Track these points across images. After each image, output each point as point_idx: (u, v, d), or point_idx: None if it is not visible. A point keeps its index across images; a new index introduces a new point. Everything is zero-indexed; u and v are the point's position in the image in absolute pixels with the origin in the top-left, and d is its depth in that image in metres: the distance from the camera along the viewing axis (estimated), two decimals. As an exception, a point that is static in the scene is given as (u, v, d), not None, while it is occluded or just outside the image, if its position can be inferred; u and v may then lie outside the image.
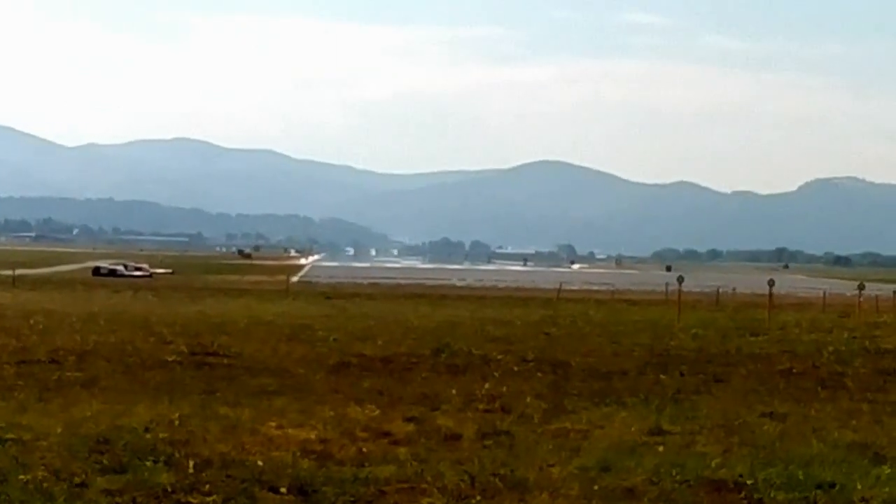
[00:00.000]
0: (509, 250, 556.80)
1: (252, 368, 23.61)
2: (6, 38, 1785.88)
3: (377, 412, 17.39)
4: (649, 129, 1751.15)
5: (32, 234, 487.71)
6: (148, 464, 12.74)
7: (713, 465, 13.31)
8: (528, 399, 19.12)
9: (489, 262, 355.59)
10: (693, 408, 18.68)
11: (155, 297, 62.07)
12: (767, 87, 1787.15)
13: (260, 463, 12.97)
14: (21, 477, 11.90)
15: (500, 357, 27.34)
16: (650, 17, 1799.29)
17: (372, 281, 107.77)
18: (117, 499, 11.24)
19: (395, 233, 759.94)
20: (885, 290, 79.91)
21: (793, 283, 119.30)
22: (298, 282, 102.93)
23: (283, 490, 11.70)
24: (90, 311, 44.56)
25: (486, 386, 20.84)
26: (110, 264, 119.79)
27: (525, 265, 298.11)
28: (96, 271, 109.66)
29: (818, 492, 11.96)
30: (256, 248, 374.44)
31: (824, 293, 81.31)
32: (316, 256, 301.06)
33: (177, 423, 15.66)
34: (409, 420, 16.67)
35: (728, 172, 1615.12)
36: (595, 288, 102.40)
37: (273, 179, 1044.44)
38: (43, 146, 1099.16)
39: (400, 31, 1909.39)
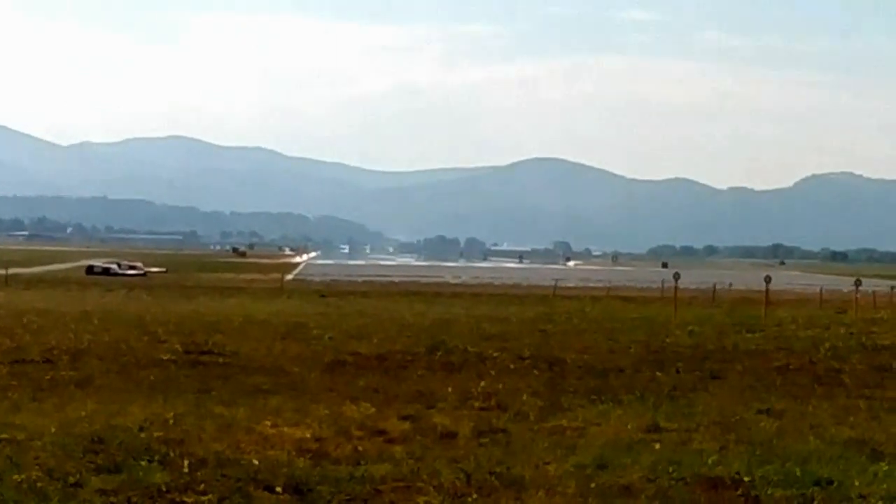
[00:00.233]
0: (505, 247, 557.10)
1: (247, 367, 23.56)
2: (0, 37, 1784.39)
3: (372, 410, 17.34)
4: (645, 125, 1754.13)
5: (26, 233, 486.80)
6: (143, 463, 12.68)
7: (710, 462, 13.27)
8: (524, 397, 19.08)
9: (485, 259, 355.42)
10: (689, 405, 18.65)
11: (149, 296, 61.94)
12: (763, 83, 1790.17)
13: (255, 462, 12.92)
14: (15, 477, 11.84)
15: (495, 355, 27.30)
16: (645, 13, 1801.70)
17: (367, 279, 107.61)
18: (112, 498, 11.18)
19: (390, 230, 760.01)
20: (882, 285, 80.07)
21: (789, 280, 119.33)
22: (293, 280, 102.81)
23: (278, 489, 11.65)
24: (84, 309, 44.44)
25: (482, 384, 20.79)
26: (104, 263, 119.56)
27: (521, 262, 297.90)
28: (90, 270, 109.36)
29: (815, 489, 11.92)
30: (251, 246, 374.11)
31: (821, 289, 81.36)
32: (311, 254, 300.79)
33: (171, 422, 15.61)
34: (405, 418, 16.63)
35: (724, 168, 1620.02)
36: (591, 285, 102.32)
37: (268, 177, 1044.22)
38: (36, 144, 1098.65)
39: (394, 29, 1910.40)
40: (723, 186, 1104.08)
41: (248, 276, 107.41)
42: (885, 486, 12.07)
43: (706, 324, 43.08)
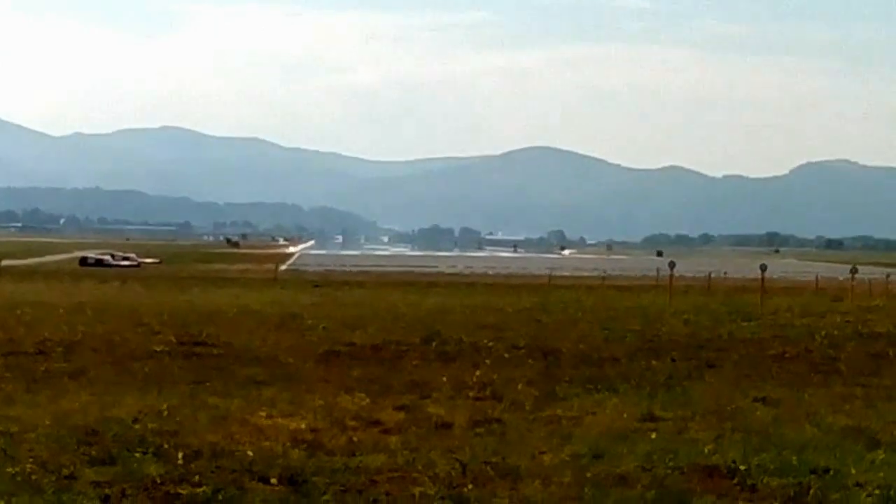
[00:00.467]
0: (499, 237, 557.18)
1: (241, 358, 23.47)
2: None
3: (367, 401, 17.29)
4: (639, 113, 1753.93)
5: (19, 225, 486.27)
6: (137, 455, 12.62)
7: (706, 451, 13.23)
8: (520, 386, 19.02)
9: (479, 248, 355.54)
10: (685, 394, 18.61)
11: (143, 287, 61.87)
12: (758, 70, 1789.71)
13: (250, 453, 12.87)
14: (9, 469, 11.79)
15: (490, 344, 27.24)
16: (640, 1, 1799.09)
17: (361, 269, 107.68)
18: (106, 490, 11.12)
19: (384, 220, 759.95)
20: (878, 273, 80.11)
21: (785, 268, 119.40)
22: (287, 270, 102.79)
23: (273, 480, 11.59)
24: (77, 301, 44.36)
25: (477, 373, 20.73)
26: (97, 254, 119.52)
27: (515, 252, 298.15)
28: (83, 261, 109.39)
29: (812, 477, 11.87)
30: (244, 237, 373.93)
31: (817, 277, 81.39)
32: (305, 244, 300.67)
33: (165, 413, 15.54)
34: (400, 408, 16.57)
35: (719, 156, 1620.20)
36: (586, 274, 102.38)
37: (261, 167, 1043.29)
38: (29, 135, 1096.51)
39: (389, 18, 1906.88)
40: (718, 174, 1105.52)
41: (242, 267, 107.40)
42: (881, 474, 12.02)
43: (701, 312, 43.07)
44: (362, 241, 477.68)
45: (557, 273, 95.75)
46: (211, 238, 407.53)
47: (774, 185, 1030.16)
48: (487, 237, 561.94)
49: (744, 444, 13.71)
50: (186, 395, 17.58)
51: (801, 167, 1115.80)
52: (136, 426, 14.49)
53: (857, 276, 62.92)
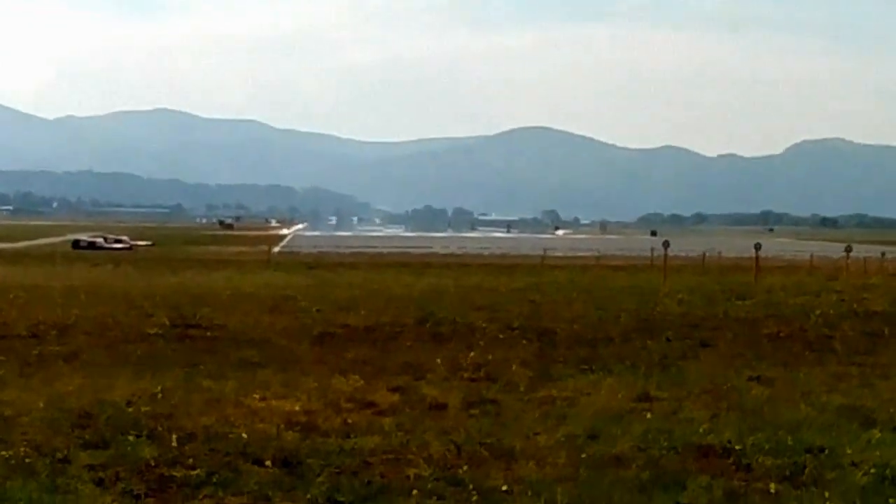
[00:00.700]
0: (493, 217, 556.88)
1: (235, 340, 23.42)
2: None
3: (361, 383, 17.26)
4: (634, 93, 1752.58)
5: (10, 208, 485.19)
6: (131, 438, 12.60)
7: (701, 430, 13.22)
8: (514, 367, 19.00)
9: (473, 229, 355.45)
10: (680, 373, 18.61)
11: (135, 270, 61.73)
12: (752, 49, 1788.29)
13: (244, 435, 12.84)
14: (3, 453, 11.77)
15: (484, 325, 27.19)
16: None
17: (354, 250, 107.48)
18: (100, 473, 11.11)
19: (377, 201, 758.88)
20: (874, 251, 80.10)
21: (779, 247, 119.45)
22: (280, 252, 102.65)
23: (267, 462, 11.57)
24: (70, 284, 44.20)
25: (472, 354, 20.70)
26: (90, 237, 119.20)
27: (509, 232, 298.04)
28: (76, 244, 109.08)
29: (807, 456, 11.87)
30: (237, 219, 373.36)
31: (811, 256, 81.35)
32: (298, 226, 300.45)
33: (159, 396, 15.51)
34: (394, 390, 16.55)
35: (713, 136, 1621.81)
36: (580, 254, 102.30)
37: (254, 149, 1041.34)
38: (21, 118, 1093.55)
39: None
40: (712, 154, 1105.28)
41: (235, 249, 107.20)
42: (877, 453, 12.01)
43: (696, 292, 43.02)
44: (355, 222, 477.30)
45: (551, 253, 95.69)
46: (204, 220, 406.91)
47: (769, 164, 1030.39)
48: (481, 218, 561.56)
49: (739, 423, 13.71)
50: (180, 377, 17.54)
51: (795, 146, 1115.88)
52: (130, 409, 14.47)
53: (851, 254, 62.92)
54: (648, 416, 14.26)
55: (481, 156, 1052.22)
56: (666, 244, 59.63)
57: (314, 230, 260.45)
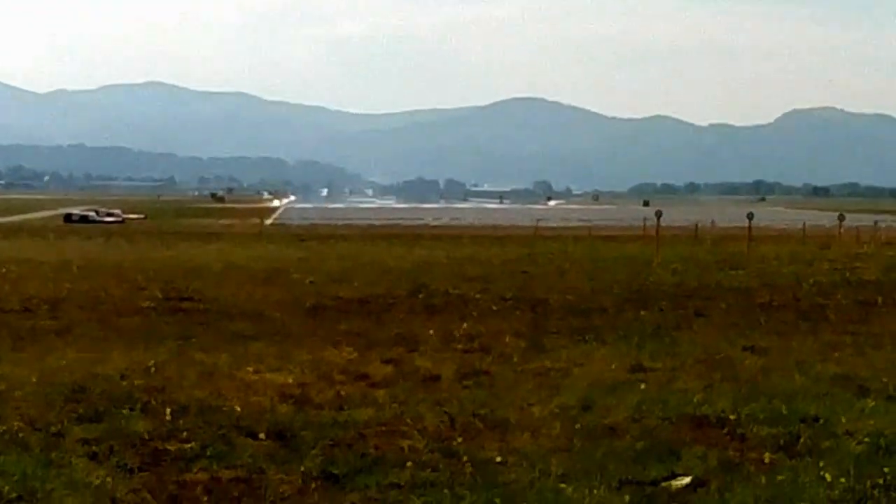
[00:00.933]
0: (485, 188, 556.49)
1: (228, 313, 23.36)
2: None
3: (355, 355, 17.23)
4: (625, 63, 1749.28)
5: (2, 182, 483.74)
6: (124, 412, 12.56)
7: (695, 400, 13.19)
8: (507, 338, 18.97)
9: (465, 200, 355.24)
10: (673, 343, 18.57)
11: (128, 243, 61.62)
12: (744, 19, 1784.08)
13: (238, 408, 12.81)
14: (-4, 428, 11.71)
15: (478, 296, 27.17)
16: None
17: (346, 222, 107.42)
18: (94, 447, 11.05)
19: (369, 173, 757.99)
20: (866, 220, 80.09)
21: (772, 216, 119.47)
22: (272, 224, 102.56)
23: (261, 435, 11.54)
24: (63, 258, 44.10)
25: (465, 326, 20.69)
26: (82, 210, 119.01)
27: (501, 203, 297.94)
28: (68, 218, 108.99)
29: (802, 426, 11.84)
30: (229, 191, 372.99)
31: (804, 225, 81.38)
32: (290, 198, 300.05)
33: (153, 369, 15.46)
34: (388, 362, 16.52)
35: (705, 105, 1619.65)
36: (572, 224, 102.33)
37: (245, 122, 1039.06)
38: (12, 92, 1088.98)
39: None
40: (704, 123, 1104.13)
41: (227, 222, 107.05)
42: (871, 422, 11.99)
43: (689, 262, 43.04)
44: (347, 193, 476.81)
45: (544, 224, 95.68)
46: (196, 193, 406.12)
47: (761, 134, 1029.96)
48: (473, 188, 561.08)
49: (733, 393, 13.68)
50: (173, 350, 17.49)
51: (787, 115, 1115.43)
52: (124, 383, 14.42)
53: (844, 223, 62.95)
54: (642, 386, 14.22)
55: (473, 127, 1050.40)
56: (658, 214, 59.62)
57: (306, 202, 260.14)
